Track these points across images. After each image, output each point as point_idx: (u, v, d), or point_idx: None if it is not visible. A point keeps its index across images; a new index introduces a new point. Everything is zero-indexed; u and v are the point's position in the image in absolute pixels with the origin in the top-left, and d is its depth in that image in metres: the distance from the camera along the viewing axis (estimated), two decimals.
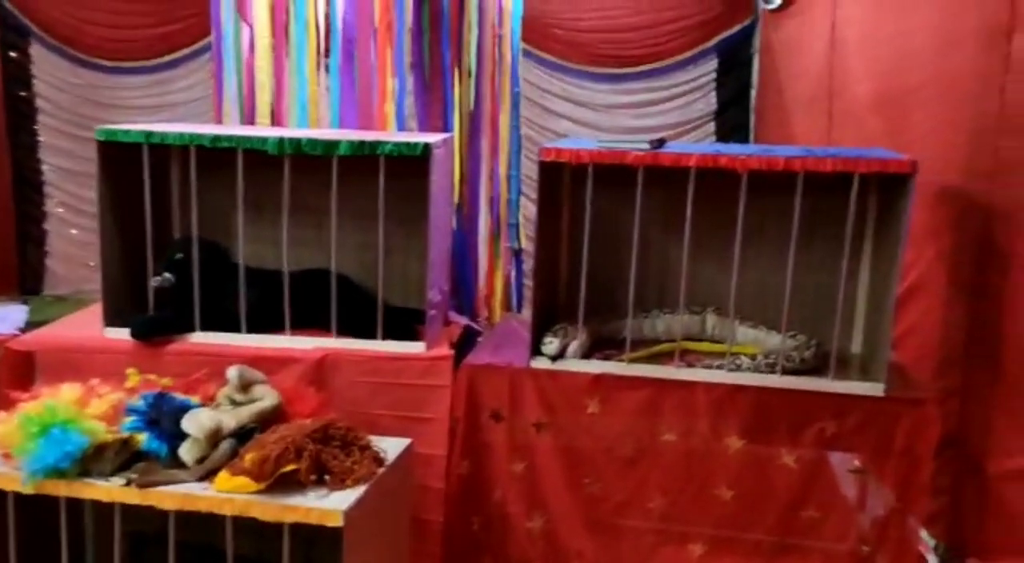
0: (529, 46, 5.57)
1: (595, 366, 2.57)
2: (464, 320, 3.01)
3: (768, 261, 2.75)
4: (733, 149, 2.81)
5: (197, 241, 2.71)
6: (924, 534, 2.76)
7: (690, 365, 2.59)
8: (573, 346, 2.59)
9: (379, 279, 2.67)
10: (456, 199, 3.11)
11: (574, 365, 2.58)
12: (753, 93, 5.52)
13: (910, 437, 2.42)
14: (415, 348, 2.64)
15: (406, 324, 2.74)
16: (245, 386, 2.21)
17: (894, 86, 3.34)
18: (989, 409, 2.52)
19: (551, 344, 2.57)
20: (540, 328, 2.63)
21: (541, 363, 2.58)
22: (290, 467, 1.99)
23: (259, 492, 1.98)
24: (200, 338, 2.65)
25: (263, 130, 2.87)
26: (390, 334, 2.69)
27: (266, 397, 2.21)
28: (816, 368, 2.55)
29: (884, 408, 2.42)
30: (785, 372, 2.51)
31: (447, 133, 3.01)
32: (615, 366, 2.57)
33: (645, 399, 2.53)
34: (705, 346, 2.78)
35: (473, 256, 3.23)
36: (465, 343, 2.92)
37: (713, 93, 5.60)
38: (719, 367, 2.54)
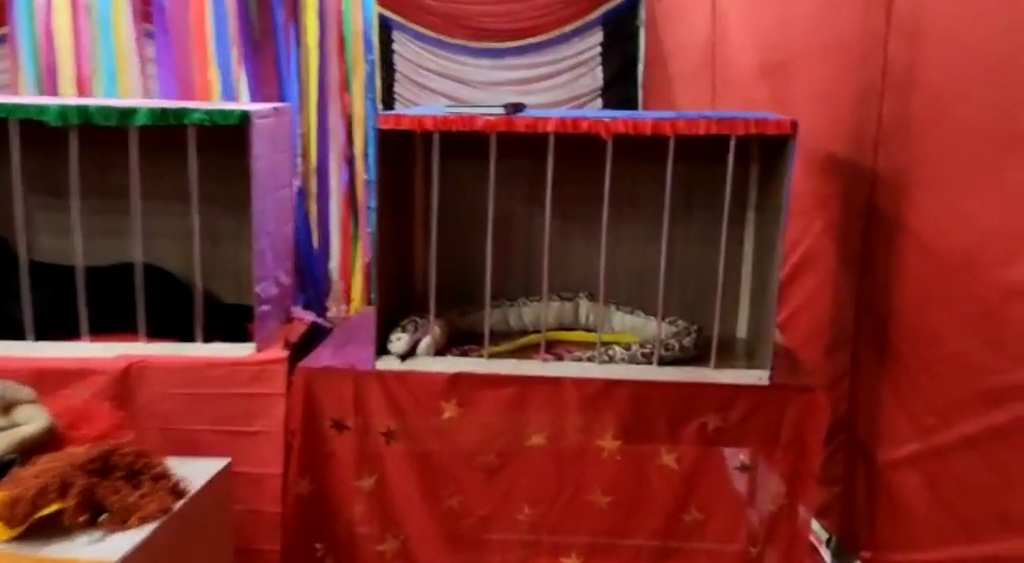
0: (403, 19, 5.20)
1: (450, 364, 2.25)
2: (310, 316, 2.64)
3: (645, 240, 2.48)
4: (598, 113, 2.52)
5: None
6: (816, 527, 2.55)
7: (559, 358, 2.30)
8: (425, 342, 2.25)
9: (195, 269, 2.27)
10: (300, 179, 2.73)
11: (426, 364, 2.24)
12: (640, 67, 5.29)
13: (798, 427, 2.18)
14: (243, 351, 2.26)
15: (236, 323, 2.35)
16: (5, 407, 1.80)
17: (777, 54, 3.12)
18: (878, 392, 2.31)
19: (399, 341, 2.23)
20: (388, 323, 2.29)
21: (388, 363, 2.24)
22: (52, 507, 1.60)
23: (12, 540, 1.58)
24: None
25: (49, 99, 2.43)
26: (215, 335, 2.31)
27: (33, 420, 1.80)
28: (697, 357, 2.29)
29: (769, 397, 2.18)
30: (663, 362, 2.24)
31: (281, 103, 2.63)
32: (473, 363, 2.25)
33: (508, 399, 2.22)
34: (578, 335, 2.49)
35: (324, 244, 2.85)
36: (311, 343, 2.56)
37: (599, 67, 5.34)
38: (590, 359, 2.26)
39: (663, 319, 2.36)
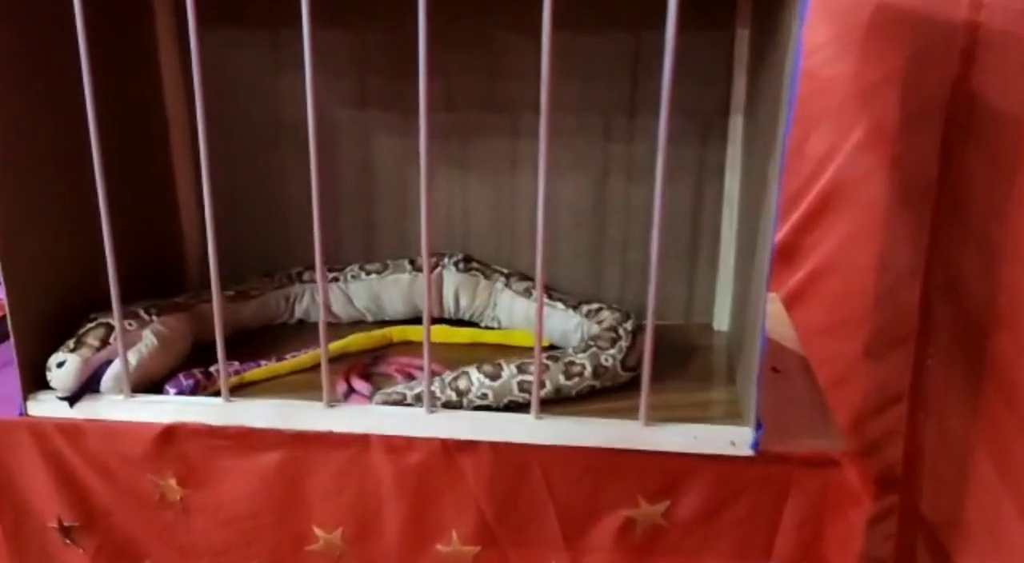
0: None
1: (167, 406, 1.22)
2: None
3: (564, 170, 1.44)
4: None
5: None
6: None
7: (372, 388, 1.25)
8: (113, 368, 1.22)
9: None
10: None
11: (119, 407, 1.22)
12: None
13: (808, 538, 1.14)
14: None
15: None
16: None
17: None
18: (961, 435, 1.27)
19: (61, 365, 1.20)
20: (55, 325, 1.25)
21: (50, 407, 1.22)
22: None
23: None
24: None
25: None
26: None
27: None
28: (634, 381, 1.24)
29: (753, 479, 1.13)
30: (565, 398, 1.21)
31: None
32: (205, 405, 1.22)
33: (272, 473, 1.20)
34: (437, 333, 1.44)
35: None
36: None
37: None
38: (436, 395, 1.21)
39: (586, 308, 1.33)
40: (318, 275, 1.19)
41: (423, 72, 1.02)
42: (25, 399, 1.21)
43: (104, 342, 1.23)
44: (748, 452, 1.11)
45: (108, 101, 1.13)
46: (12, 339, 1.19)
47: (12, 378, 1.21)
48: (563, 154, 1.44)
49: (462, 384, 1.20)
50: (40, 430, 1.21)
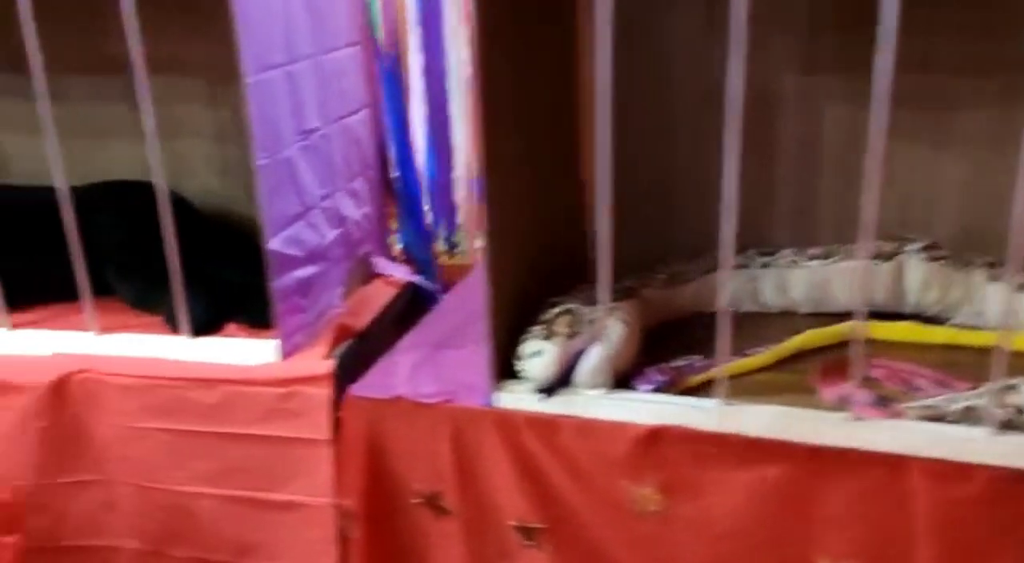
0: None
1: (647, 404, 1.08)
2: (402, 273, 1.55)
3: None
4: None
5: None
6: None
7: (883, 401, 1.07)
8: (593, 356, 1.10)
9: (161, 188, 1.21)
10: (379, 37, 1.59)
11: (596, 404, 1.09)
12: None
13: None
14: (253, 353, 1.22)
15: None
16: None
17: None
18: None
19: (538, 357, 1.09)
20: (510, 315, 1.15)
21: (519, 399, 1.11)
22: None
23: None
24: None
25: None
26: (232, 311, 1.30)
27: None
28: None
29: None
30: None
31: None
32: (697, 408, 1.07)
33: (770, 488, 1.04)
34: (905, 331, 1.23)
35: (441, 146, 1.73)
36: (405, 323, 1.50)
37: None
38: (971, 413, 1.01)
39: None
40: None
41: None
42: (494, 389, 1.11)
43: (573, 330, 1.11)
44: None
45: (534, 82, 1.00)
46: (486, 326, 1.08)
47: (467, 364, 1.12)
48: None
49: (1021, 400, 0.98)
50: (509, 422, 1.11)
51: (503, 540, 1.15)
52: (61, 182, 1.21)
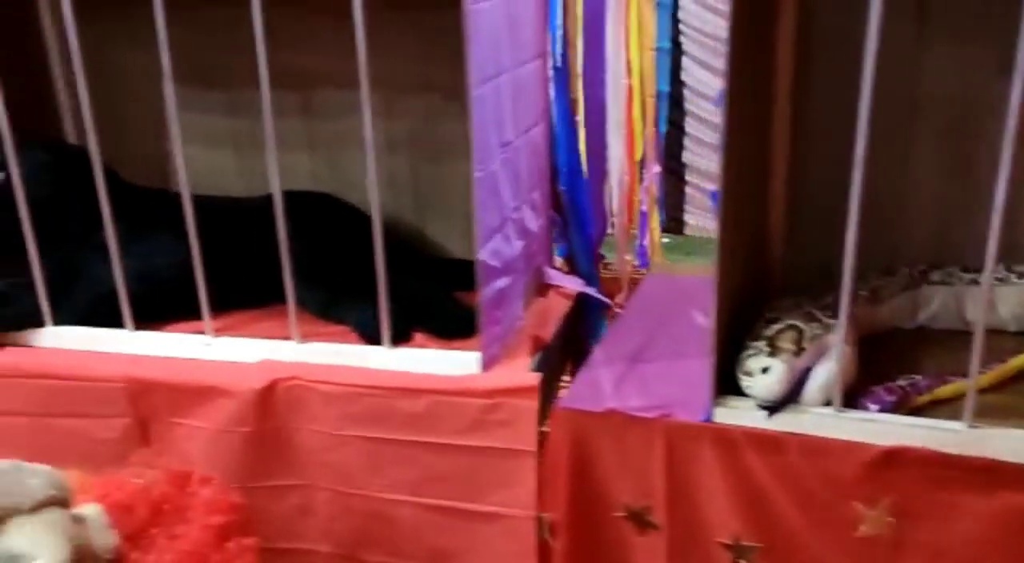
0: None
1: (879, 425, 1.05)
2: (575, 283, 1.54)
3: None
4: None
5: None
6: None
7: None
8: (821, 374, 1.07)
9: (374, 202, 1.22)
10: (556, 50, 1.59)
11: (824, 422, 1.07)
12: None
13: None
14: (456, 365, 1.23)
15: (460, 309, 1.33)
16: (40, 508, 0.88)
17: None
18: None
19: (766, 374, 1.07)
20: (733, 326, 1.13)
21: (741, 414, 1.10)
22: None
23: None
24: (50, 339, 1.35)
25: None
26: (424, 322, 1.31)
27: (41, 546, 0.87)
28: None
29: None
30: None
31: None
32: (938, 429, 1.03)
33: (1022, 517, 1.00)
34: None
35: (596, 156, 1.72)
36: (575, 333, 1.49)
37: None
38: None
39: None
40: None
41: None
42: (712, 403, 1.09)
43: (799, 346, 1.09)
44: None
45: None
46: (710, 341, 1.07)
47: (689, 368, 1.10)
48: None
49: None
50: (727, 438, 1.09)
51: (710, 557, 1.14)
52: (277, 193, 1.23)
